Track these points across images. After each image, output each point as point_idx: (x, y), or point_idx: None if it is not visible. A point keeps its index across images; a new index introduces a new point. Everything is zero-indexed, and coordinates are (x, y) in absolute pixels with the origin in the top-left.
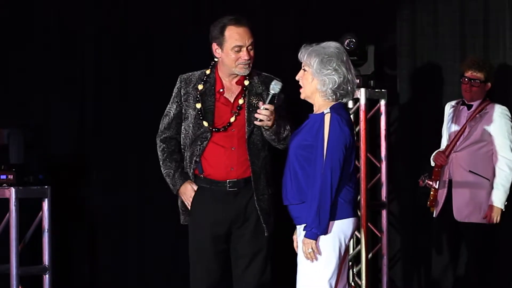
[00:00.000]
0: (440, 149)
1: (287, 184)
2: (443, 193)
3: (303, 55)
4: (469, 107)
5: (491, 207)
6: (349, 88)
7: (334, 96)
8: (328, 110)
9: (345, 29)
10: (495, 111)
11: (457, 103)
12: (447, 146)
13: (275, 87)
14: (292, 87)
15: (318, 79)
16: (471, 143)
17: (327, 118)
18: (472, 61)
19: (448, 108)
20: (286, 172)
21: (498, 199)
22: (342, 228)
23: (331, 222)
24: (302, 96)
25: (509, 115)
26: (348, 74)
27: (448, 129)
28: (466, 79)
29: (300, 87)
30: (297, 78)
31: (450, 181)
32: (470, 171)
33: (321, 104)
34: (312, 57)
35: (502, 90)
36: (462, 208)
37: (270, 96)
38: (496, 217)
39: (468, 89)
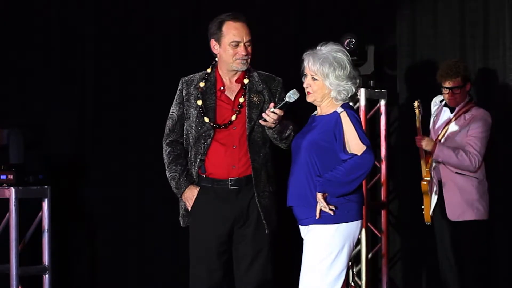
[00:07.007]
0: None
1: (296, 185)
2: (435, 195)
3: (312, 64)
4: (452, 109)
5: (434, 144)
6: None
7: (347, 100)
8: (342, 109)
9: (345, 29)
10: (478, 115)
11: (440, 101)
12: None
13: (292, 96)
14: (291, 87)
15: (336, 90)
16: (456, 146)
17: (344, 116)
18: (446, 69)
19: (434, 106)
20: (296, 173)
21: (441, 152)
22: (352, 230)
23: (345, 224)
24: (310, 100)
25: (490, 120)
26: (358, 77)
27: (434, 128)
28: (447, 89)
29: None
30: (305, 86)
31: (439, 182)
32: (457, 172)
33: (329, 106)
34: (325, 67)
35: (502, 90)
36: (455, 208)
37: (283, 103)
38: (424, 144)
39: (452, 97)
